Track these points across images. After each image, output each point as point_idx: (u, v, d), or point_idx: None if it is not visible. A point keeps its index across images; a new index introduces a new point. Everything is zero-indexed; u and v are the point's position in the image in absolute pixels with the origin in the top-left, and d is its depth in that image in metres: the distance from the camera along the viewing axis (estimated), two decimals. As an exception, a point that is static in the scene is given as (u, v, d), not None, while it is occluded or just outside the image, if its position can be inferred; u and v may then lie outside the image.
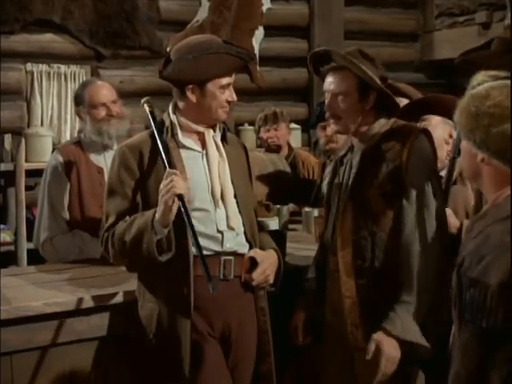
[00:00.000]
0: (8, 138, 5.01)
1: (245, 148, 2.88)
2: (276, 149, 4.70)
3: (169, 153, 2.52)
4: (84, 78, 5.33)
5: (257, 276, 2.60)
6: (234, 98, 2.64)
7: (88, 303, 2.77)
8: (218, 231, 2.59)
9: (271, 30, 6.01)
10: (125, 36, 5.44)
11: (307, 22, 6.25)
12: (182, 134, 2.64)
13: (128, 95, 5.50)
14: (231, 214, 2.62)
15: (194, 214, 2.52)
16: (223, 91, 2.60)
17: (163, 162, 2.50)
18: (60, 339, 2.75)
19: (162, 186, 2.45)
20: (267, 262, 2.64)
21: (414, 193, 2.51)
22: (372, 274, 2.55)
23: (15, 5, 5.01)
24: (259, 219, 2.88)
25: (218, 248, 2.58)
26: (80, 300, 2.76)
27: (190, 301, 2.50)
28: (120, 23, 5.41)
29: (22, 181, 4.86)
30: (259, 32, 5.96)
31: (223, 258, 2.59)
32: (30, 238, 4.89)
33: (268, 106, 6.13)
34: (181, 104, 2.65)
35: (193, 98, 2.59)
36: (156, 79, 5.06)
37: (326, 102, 2.68)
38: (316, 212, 3.94)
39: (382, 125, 2.64)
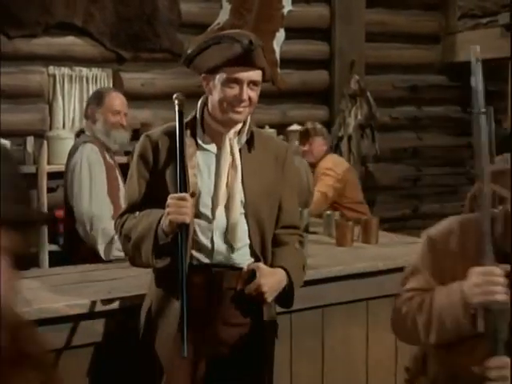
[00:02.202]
0: (30, 140, 5.04)
1: (285, 153, 2.64)
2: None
3: (184, 156, 2.43)
4: (105, 81, 5.36)
5: (249, 289, 2.47)
6: (243, 96, 2.44)
7: (109, 305, 2.78)
8: (212, 241, 2.48)
9: (292, 32, 6.00)
10: (146, 39, 5.46)
11: (328, 24, 6.24)
12: (201, 132, 2.55)
13: (149, 98, 5.54)
14: (232, 226, 2.48)
15: (195, 220, 2.46)
16: (231, 86, 2.44)
17: (177, 165, 2.43)
18: (81, 341, 2.76)
19: (171, 200, 2.37)
20: (266, 279, 2.46)
21: None
22: None
23: (37, 8, 5.03)
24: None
25: (206, 260, 2.49)
26: (101, 302, 2.77)
27: (177, 311, 2.41)
28: (141, 26, 5.42)
29: (43, 183, 4.89)
30: (280, 34, 5.94)
31: (214, 269, 2.49)
32: (51, 240, 4.93)
33: (288, 109, 6.16)
34: (208, 100, 2.54)
35: (207, 89, 2.51)
36: (177, 82, 5.13)
37: None
38: (337, 215, 3.92)
39: None
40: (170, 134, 2.53)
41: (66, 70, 5.24)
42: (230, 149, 2.52)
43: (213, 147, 2.55)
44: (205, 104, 2.56)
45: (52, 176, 4.98)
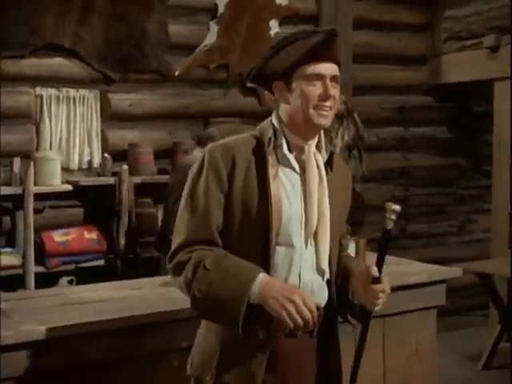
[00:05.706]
0: (17, 161, 5.02)
1: (350, 178, 2.39)
2: None
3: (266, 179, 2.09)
4: (93, 102, 5.35)
5: (381, 292, 2.14)
6: (330, 92, 2.10)
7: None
8: (299, 277, 2.12)
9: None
10: (134, 60, 5.46)
11: (315, 46, 6.26)
12: (286, 146, 2.17)
13: (137, 119, 5.53)
14: (322, 256, 2.15)
15: (278, 249, 2.10)
16: (312, 84, 2.11)
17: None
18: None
19: (297, 298, 1.96)
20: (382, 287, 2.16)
21: None
22: None
23: (26, 29, 5.04)
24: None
25: None
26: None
27: (266, 350, 2.04)
28: (129, 48, 5.43)
29: (30, 204, 4.87)
30: (268, 56, 5.98)
31: None
32: (37, 262, 4.91)
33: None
34: (280, 112, 2.21)
35: (281, 98, 2.17)
36: (165, 102, 5.07)
37: None
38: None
39: None
40: (247, 141, 2.18)
41: (53, 91, 5.23)
42: (316, 164, 2.18)
43: (296, 165, 2.18)
44: (279, 119, 2.21)
45: (38, 197, 4.96)
